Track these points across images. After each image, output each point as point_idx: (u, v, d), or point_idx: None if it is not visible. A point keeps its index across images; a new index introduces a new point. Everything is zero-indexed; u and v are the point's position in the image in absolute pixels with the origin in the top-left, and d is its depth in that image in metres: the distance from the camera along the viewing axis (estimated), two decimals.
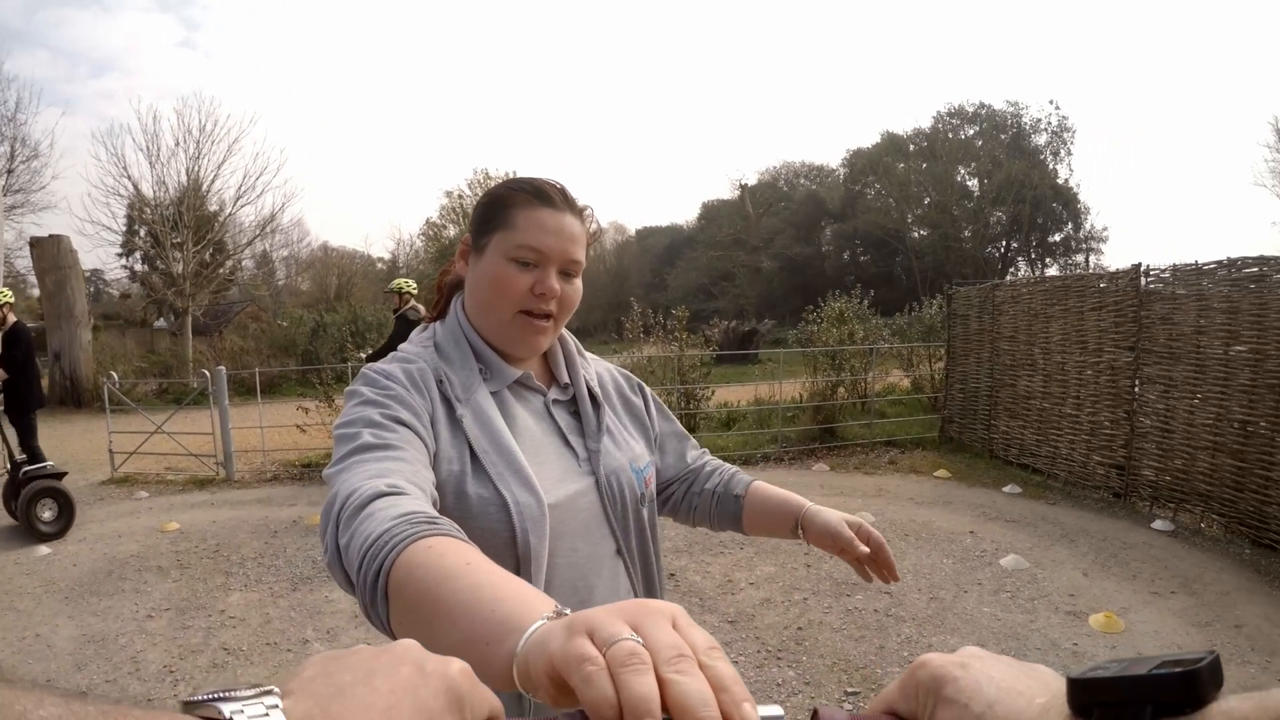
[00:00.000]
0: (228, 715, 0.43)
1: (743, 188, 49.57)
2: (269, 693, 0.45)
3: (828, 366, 12.49)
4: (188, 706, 0.43)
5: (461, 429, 1.30)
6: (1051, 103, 57.37)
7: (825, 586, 5.98)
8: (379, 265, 42.40)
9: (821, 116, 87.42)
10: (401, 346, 1.43)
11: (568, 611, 0.68)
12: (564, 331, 1.52)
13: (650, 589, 1.49)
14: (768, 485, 1.65)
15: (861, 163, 48.20)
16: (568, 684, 0.55)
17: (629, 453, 1.49)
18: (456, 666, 0.54)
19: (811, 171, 53.98)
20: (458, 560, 0.85)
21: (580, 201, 1.47)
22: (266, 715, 0.44)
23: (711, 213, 53.44)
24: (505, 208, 1.38)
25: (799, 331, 14.40)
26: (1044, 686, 0.54)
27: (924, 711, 0.57)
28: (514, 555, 1.22)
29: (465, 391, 1.34)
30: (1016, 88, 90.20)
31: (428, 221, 44.64)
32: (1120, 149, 71.36)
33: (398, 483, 1.05)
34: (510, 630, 0.69)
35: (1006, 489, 9.04)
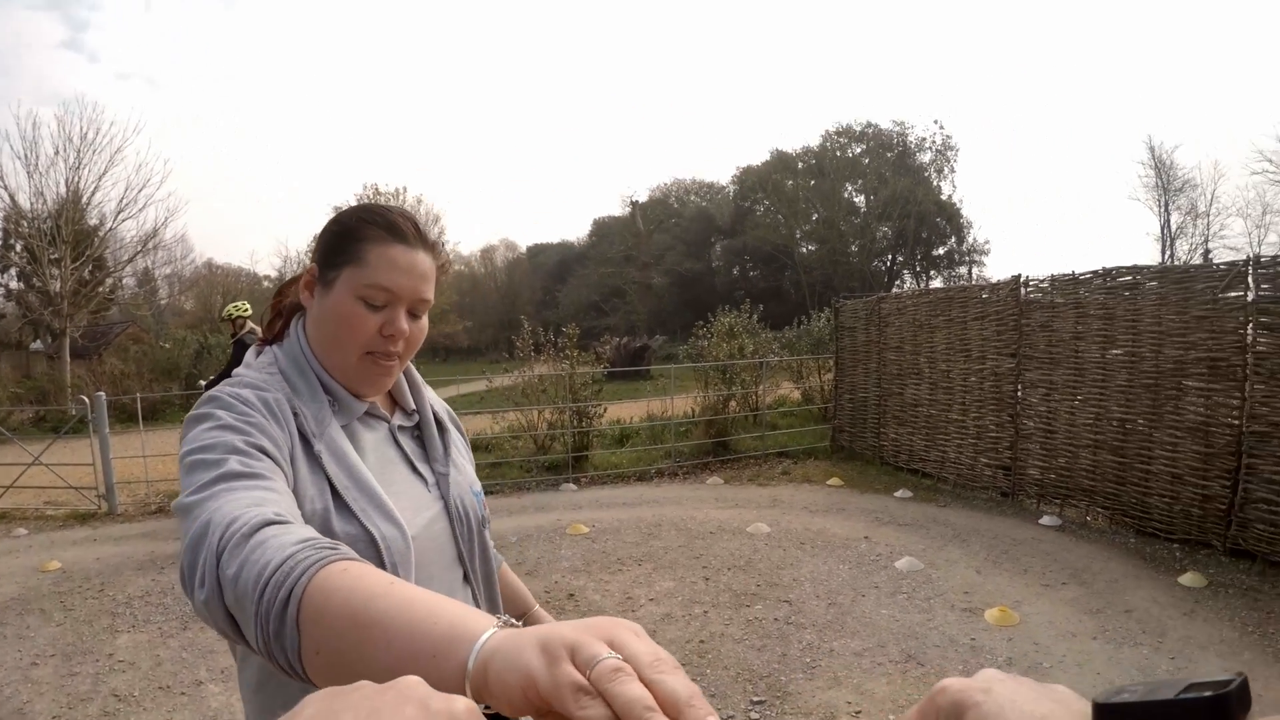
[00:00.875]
0: None
1: (634, 204, 49.94)
2: None
3: (719, 381, 12.62)
4: None
5: (320, 465, 1.24)
6: (936, 122, 59.49)
7: (725, 599, 6.01)
8: (265, 284, 41.23)
9: (712, 134, 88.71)
10: (239, 371, 1.34)
11: (515, 622, 0.70)
12: (410, 364, 1.48)
13: (490, 596, 1.49)
14: (510, 571, 1.74)
15: (751, 180, 48.95)
16: (546, 704, 0.57)
17: (468, 476, 1.51)
18: (462, 705, 0.51)
19: (702, 188, 54.59)
20: (380, 580, 0.80)
21: (430, 235, 1.39)
22: None
23: (603, 229, 53.63)
24: (356, 241, 1.31)
25: (690, 347, 14.50)
26: (1066, 710, 0.51)
27: None
28: None
29: (319, 426, 1.28)
30: (903, 107, 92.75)
31: (315, 238, 43.62)
32: (1002, 166, 74.14)
33: (281, 512, 0.96)
34: (457, 641, 0.67)
35: (898, 494, 9.26)
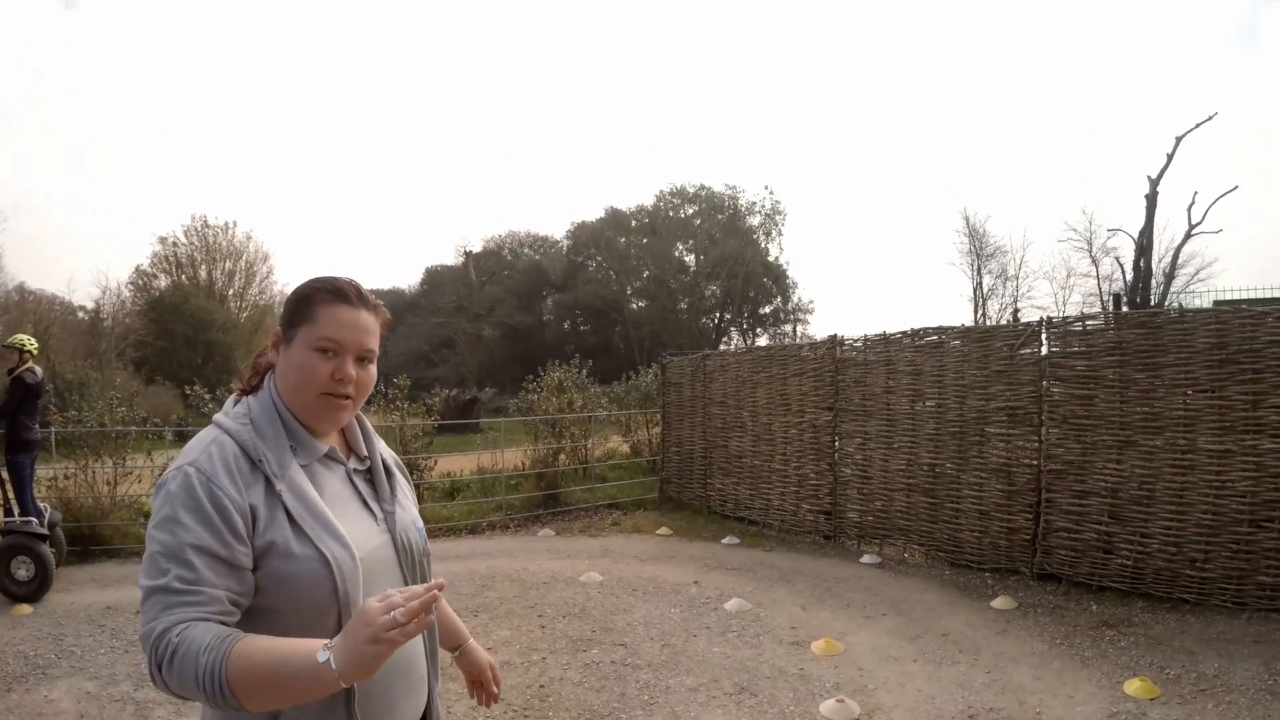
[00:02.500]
0: None
1: (467, 254, 49.50)
2: None
3: (549, 434, 12.68)
4: None
5: (281, 501, 1.51)
6: (766, 187, 61.73)
7: (561, 645, 6.05)
8: (80, 314, 38.71)
9: (548, 188, 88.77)
10: (219, 419, 1.61)
11: (331, 640, 1.33)
12: (360, 414, 1.78)
13: (433, 629, 1.82)
14: (447, 608, 2.06)
15: (585, 235, 49.42)
16: (386, 649, 1.28)
17: (412, 515, 1.80)
18: None
19: (536, 241, 54.65)
20: (260, 644, 1.36)
21: (373, 298, 1.70)
22: None
23: (435, 278, 52.92)
24: (309, 305, 1.61)
25: (519, 400, 14.51)
26: None
27: None
28: (336, 602, 1.50)
29: (280, 469, 1.54)
30: (735, 172, 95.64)
31: (137, 269, 40.96)
32: (829, 231, 77.40)
33: (188, 625, 1.36)
34: (315, 660, 1.31)
35: (725, 540, 9.53)
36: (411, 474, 10.62)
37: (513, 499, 11.70)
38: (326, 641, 1.33)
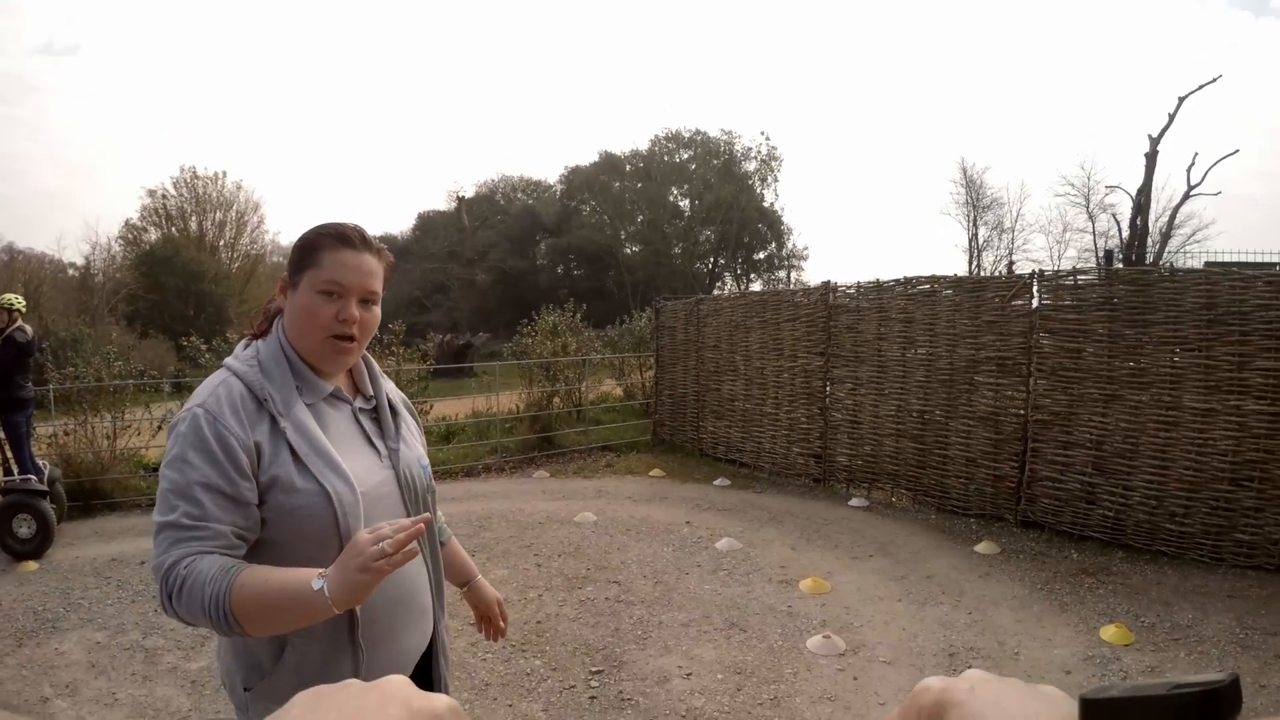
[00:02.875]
0: None
1: (460, 199, 49.07)
2: None
3: (543, 378, 12.78)
4: None
5: (285, 438, 1.61)
6: (763, 133, 61.14)
7: (557, 583, 6.22)
8: (71, 272, 38.46)
9: (542, 133, 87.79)
10: (228, 361, 1.71)
11: (326, 570, 1.45)
12: (367, 355, 1.87)
13: (435, 556, 1.93)
14: (458, 545, 2.27)
15: (579, 180, 48.88)
16: (375, 578, 1.41)
17: (417, 453, 1.90)
18: (444, 704, 0.54)
19: (529, 186, 54.06)
20: (260, 574, 1.49)
21: (376, 242, 1.78)
22: None
23: (427, 224, 52.40)
24: (314, 250, 1.68)
25: (513, 344, 14.55)
26: (1052, 709, 0.50)
27: None
28: (337, 534, 1.60)
29: (285, 407, 1.63)
30: (732, 118, 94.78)
31: (127, 223, 40.58)
32: (825, 178, 76.89)
33: (194, 559, 1.48)
34: (310, 588, 1.43)
35: (717, 482, 9.70)
36: None
37: (508, 442, 11.82)
38: (321, 571, 1.45)
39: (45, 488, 7.51)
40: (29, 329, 7.80)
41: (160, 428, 9.56)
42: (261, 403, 1.62)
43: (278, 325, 1.75)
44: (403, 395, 2.02)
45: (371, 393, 1.86)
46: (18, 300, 7.79)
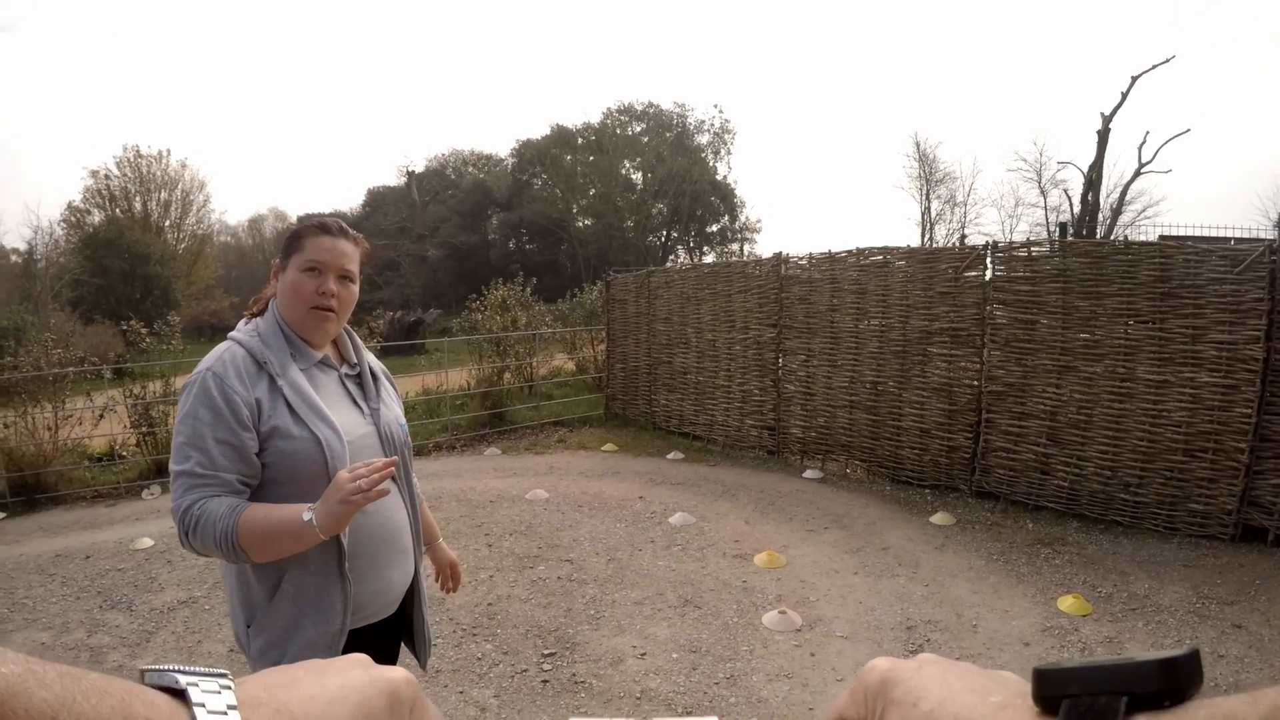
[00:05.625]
0: (183, 685, 0.43)
1: (410, 174, 48.40)
2: (222, 675, 0.47)
3: (493, 353, 12.59)
4: (145, 674, 0.45)
5: (282, 394, 1.93)
6: (716, 106, 61.02)
7: (508, 563, 6.08)
8: (14, 258, 37.42)
9: (492, 106, 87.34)
10: (233, 334, 2.02)
11: (314, 505, 1.78)
12: (349, 328, 2.21)
13: (414, 505, 2.28)
14: (427, 510, 2.52)
15: (530, 153, 48.36)
16: (353, 508, 1.77)
17: (395, 413, 2.23)
18: (402, 675, 0.56)
19: (480, 160, 53.54)
20: (259, 511, 1.80)
21: (353, 231, 2.13)
22: (219, 693, 0.44)
23: (377, 200, 51.69)
24: (299, 237, 2.04)
25: (462, 320, 14.35)
26: (1002, 685, 0.49)
27: (873, 716, 0.54)
28: (326, 474, 1.89)
29: (282, 369, 1.96)
30: (685, 90, 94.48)
31: (69, 205, 39.37)
32: (778, 152, 77.04)
33: (207, 501, 1.81)
34: (300, 519, 1.77)
35: (670, 456, 9.61)
36: None
37: (459, 419, 11.63)
38: (310, 505, 1.79)
39: None
40: None
41: (103, 416, 9.26)
42: (261, 365, 1.94)
43: (273, 304, 2.07)
44: (382, 366, 2.34)
45: (355, 360, 2.19)
46: None
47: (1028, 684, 0.46)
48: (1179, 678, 0.39)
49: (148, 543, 6.80)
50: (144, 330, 10.57)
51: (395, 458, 1.94)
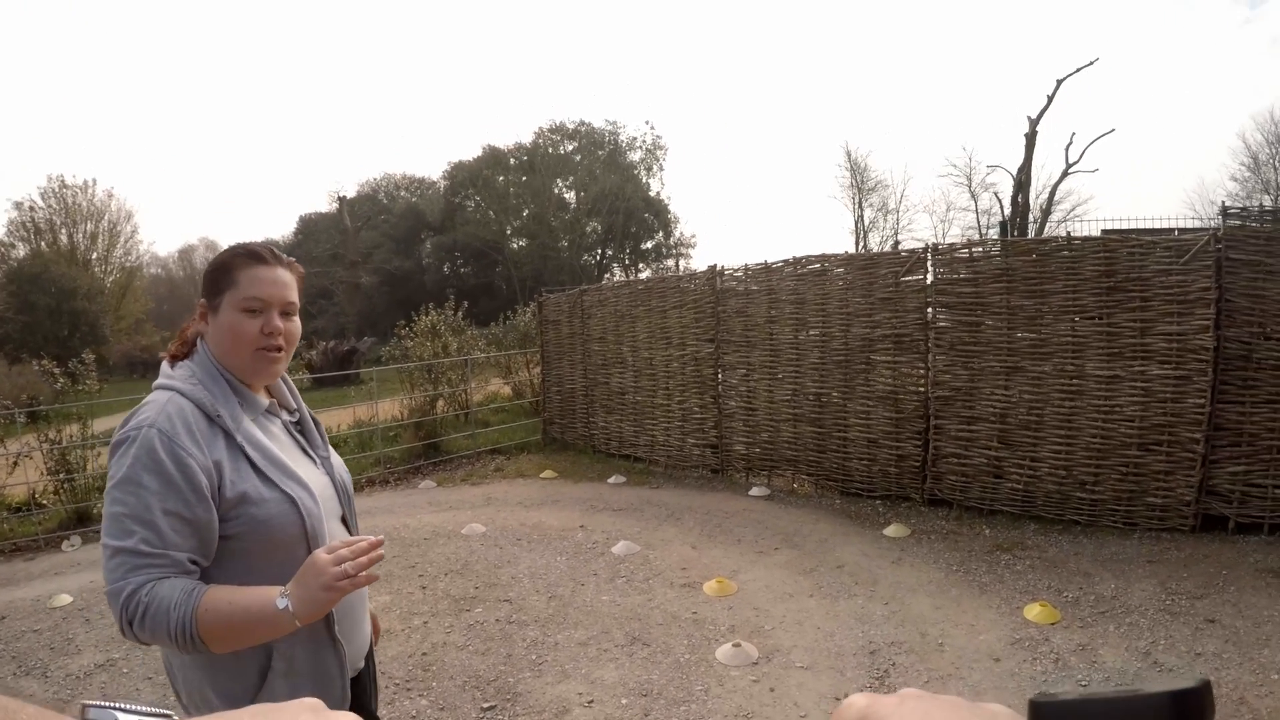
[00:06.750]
0: None
1: (341, 200, 47.65)
2: (168, 715, 0.49)
3: (425, 381, 12.17)
4: (87, 709, 0.47)
5: (243, 452, 1.66)
6: (647, 122, 61.13)
7: (444, 606, 5.71)
8: None
9: (424, 129, 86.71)
10: (170, 382, 1.71)
11: (286, 588, 1.53)
12: (284, 373, 1.92)
13: None
14: None
15: (462, 175, 47.95)
16: (338, 596, 1.52)
17: (338, 458, 2.01)
18: (350, 717, 0.56)
19: (412, 184, 52.94)
20: (223, 596, 1.52)
21: (286, 256, 1.84)
22: None
23: (309, 227, 50.78)
24: (229, 270, 1.74)
25: (393, 347, 13.96)
26: (990, 717, 0.46)
27: None
28: (305, 538, 1.68)
29: (235, 422, 1.69)
30: (616, 108, 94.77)
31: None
32: (711, 166, 77.78)
33: (154, 585, 1.50)
34: (275, 607, 1.50)
35: (611, 480, 9.29)
36: None
37: (391, 451, 11.20)
38: (282, 589, 1.53)
39: None
40: None
41: (17, 463, 8.69)
42: (212, 420, 1.66)
43: (202, 347, 1.77)
44: (308, 408, 2.08)
45: (295, 405, 1.95)
46: None
47: (1020, 716, 0.44)
48: (1190, 715, 0.36)
49: (66, 599, 6.31)
50: (56, 371, 9.99)
51: (381, 538, 1.64)
